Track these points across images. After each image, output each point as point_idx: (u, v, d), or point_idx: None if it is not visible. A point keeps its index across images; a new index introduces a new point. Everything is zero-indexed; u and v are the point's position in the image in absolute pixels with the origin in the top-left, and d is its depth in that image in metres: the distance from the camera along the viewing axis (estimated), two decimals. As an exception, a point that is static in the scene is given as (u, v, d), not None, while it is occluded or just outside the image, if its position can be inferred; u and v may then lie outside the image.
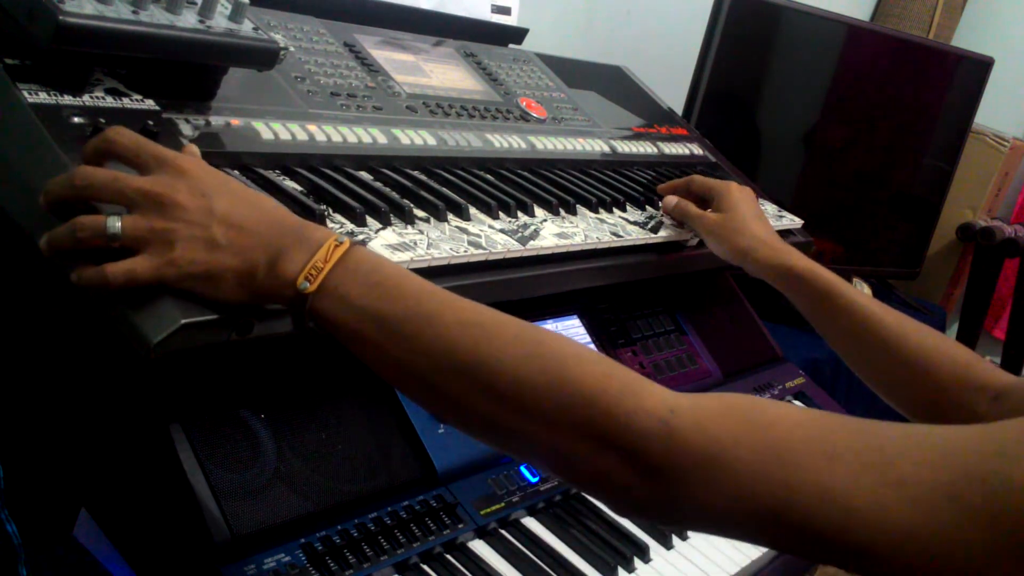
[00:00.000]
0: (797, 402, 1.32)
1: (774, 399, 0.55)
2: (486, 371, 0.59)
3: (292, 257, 0.62)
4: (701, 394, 0.60)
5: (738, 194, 1.12)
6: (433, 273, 0.80)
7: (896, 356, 0.98)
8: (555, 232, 0.94)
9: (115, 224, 0.60)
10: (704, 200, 1.14)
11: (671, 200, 1.13)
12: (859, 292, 1.03)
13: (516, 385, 0.59)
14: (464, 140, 1.03)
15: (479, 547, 0.83)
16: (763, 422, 0.56)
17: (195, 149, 0.69)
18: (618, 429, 0.56)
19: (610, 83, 1.43)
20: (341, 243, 0.63)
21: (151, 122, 0.70)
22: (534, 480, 0.92)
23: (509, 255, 0.87)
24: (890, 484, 0.50)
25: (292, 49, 0.97)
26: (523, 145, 1.10)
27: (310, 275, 0.61)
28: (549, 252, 0.91)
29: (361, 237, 0.77)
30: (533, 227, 0.93)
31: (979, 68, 2.05)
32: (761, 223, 1.10)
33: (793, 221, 1.34)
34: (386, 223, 0.81)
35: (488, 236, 0.87)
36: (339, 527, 0.76)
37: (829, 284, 1.03)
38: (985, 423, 0.52)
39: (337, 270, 0.62)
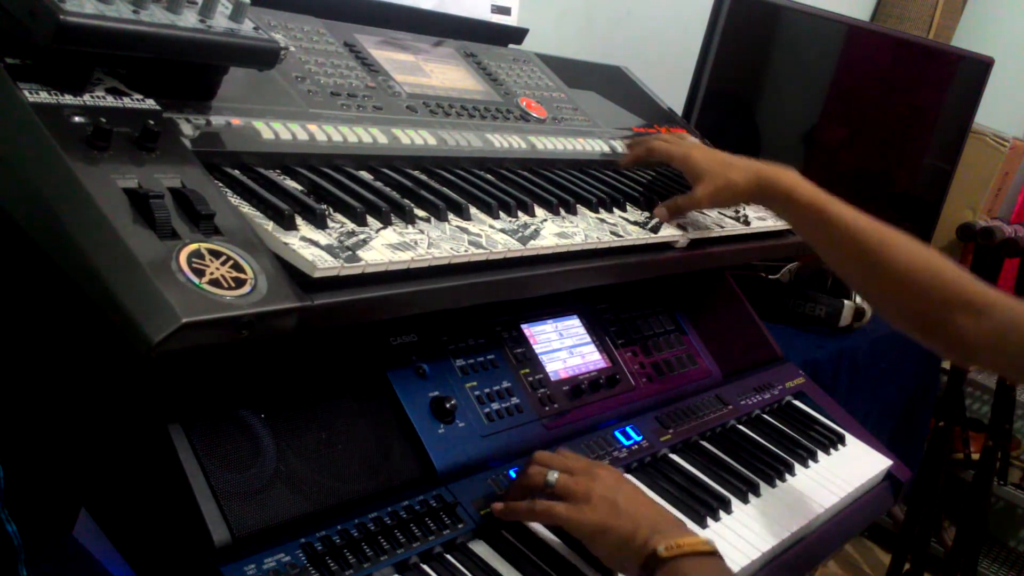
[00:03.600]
0: (797, 402, 1.32)
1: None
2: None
3: (666, 536, 0.80)
4: None
5: (697, 154, 1.14)
6: (433, 273, 0.80)
7: (882, 270, 1.01)
8: (555, 232, 0.94)
9: (553, 477, 0.85)
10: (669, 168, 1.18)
11: (661, 212, 1.12)
12: (848, 207, 1.05)
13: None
14: (464, 140, 1.03)
15: (479, 547, 0.83)
16: None
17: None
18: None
19: (610, 83, 1.43)
20: (709, 544, 0.80)
21: (152, 121, 0.70)
22: (534, 480, 0.92)
23: (509, 255, 0.87)
24: None
25: (292, 49, 0.96)
26: (523, 145, 1.10)
27: (670, 546, 0.78)
28: (549, 252, 0.91)
29: (362, 236, 0.77)
30: (533, 227, 0.93)
31: (979, 68, 2.05)
32: (733, 166, 1.11)
33: (793, 221, 1.34)
34: (387, 223, 0.81)
35: (488, 236, 0.87)
36: (339, 527, 0.76)
37: (814, 198, 1.06)
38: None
39: (692, 558, 0.78)
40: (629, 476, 0.96)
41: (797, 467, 1.15)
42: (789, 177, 1.08)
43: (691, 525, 0.96)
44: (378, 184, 0.88)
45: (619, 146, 1.24)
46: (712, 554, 0.81)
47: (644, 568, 0.79)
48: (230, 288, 0.64)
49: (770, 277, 1.82)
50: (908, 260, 1.00)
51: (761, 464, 1.12)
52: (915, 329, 1.03)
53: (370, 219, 0.81)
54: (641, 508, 0.84)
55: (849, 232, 1.03)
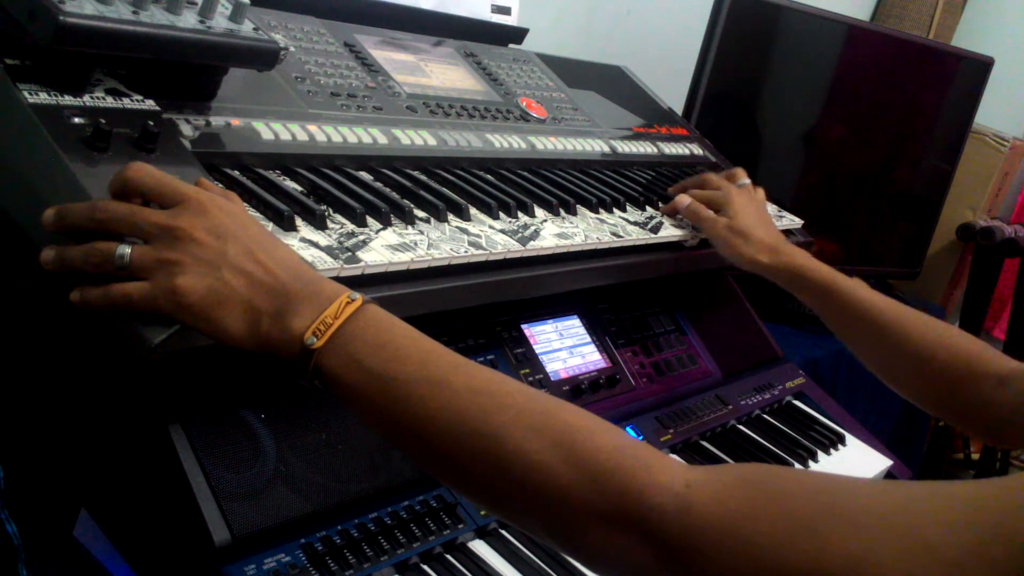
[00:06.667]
0: (797, 402, 1.32)
1: (790, 468, 0.51)
2: (493, 443, 0.57)
3: (301, 310, 0.61)
4: (716, 467, 0.57)
5: (739, 200, 1.13)
6: (433, 273, 0.80)
7: (899, 348, 0.99)
8: (555, 232, 0.94)
9: (124, 252, 0.60)
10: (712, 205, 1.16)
11: (683, 200, 1.14)
12: (862, 286, 1.04)
13: (523, 459, 0.57)
14: (464, 140, 1.03)
15: (479, 547, 0.83)
16: (781, 491, 0.53)
17: (217, 189, 0.68)
18: (632, 507, 0.54)
19: (610, 83, 1.43)
20: (353, 300, 0.62)
21: (151, 122, 0.70)
22: (534, 480, 0.92)
23: (509, 255, 0.87)
24: (919, 548, 0.47)
25: (292, 49, 0.97)
26: (523, 145, 1.10)
27: (318, 330, 0.60)
28: (549, 252, 0.91)
29: (362, 237, 0.77)
30: (533, 227, 0.93)
31: (979, 68, 2.05)
32: (764, 227, 1.12)
33: (793, 221, 1.34)
34: (386, 223, 0.81)
35: (488, 236, 0.87)
36: (339, 527, 0.76)
37: (830, 281, 1.04)
38: (1006, 479, 0.50)
39: (347, 327, 0.60)
40: (254, 214, 0.72)
41: (797, 467, 1.15)
42: (801, 259, 1.08)
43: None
44: (378, 185, 0.88)
45: (619, 146, 1.24)
46: (362, 305, 0.62)
47: (301, 365, 0.61)
48: (230, 289, 0.64)
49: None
50: (922, 336, 0.98)
51: (761, 464, 1.12)
52: (940, 407, 1.00)
53: (370, 220, 0.81)
54: (259, 272, 0.61)
55: (860, 311, 1.02)
